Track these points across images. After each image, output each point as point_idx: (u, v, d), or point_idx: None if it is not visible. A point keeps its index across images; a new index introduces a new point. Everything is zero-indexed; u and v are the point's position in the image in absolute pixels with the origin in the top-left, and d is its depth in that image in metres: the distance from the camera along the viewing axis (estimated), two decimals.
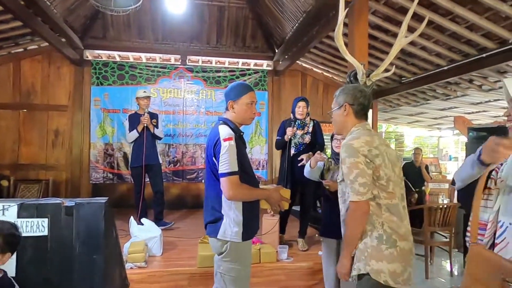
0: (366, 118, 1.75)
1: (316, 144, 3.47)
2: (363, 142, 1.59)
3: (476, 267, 1.27)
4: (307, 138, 3.45)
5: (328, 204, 2.46)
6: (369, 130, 1.71)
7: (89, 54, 5.90)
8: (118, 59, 6.00)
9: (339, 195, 1.75)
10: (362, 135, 1.64)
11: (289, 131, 3.39)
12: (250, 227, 1.88)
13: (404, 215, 1.62)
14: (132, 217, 3.44)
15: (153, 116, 4.34)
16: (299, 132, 3.45)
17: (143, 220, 3.51)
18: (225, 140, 1.77)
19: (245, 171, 1.85)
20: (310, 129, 3.49)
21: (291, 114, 3.55)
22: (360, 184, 1.53)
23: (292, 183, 3.37)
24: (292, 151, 3.44)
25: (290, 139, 3.43)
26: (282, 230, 3.58)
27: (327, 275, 2.46)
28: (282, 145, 3.51)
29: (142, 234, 3.21)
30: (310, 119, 3.57)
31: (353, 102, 1.71)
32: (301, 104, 3.48)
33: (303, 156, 2.61)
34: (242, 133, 1.96)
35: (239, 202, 1.82)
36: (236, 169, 1.76)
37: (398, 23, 4.13)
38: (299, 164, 2.71)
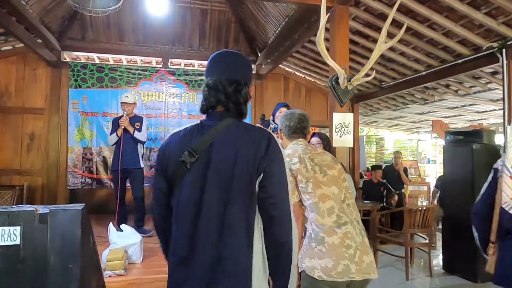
0: (299, 135, 1.95)
1: None
2: (287, 154, 1.82)
3: None
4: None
5: None
6: (295, 145, 1.91)
7: (66, 56, 5.74)
8: (97, 61, 5.86)
9: None
10: (286, 151, 1.86)
11: None
12: None
13: (331, 211, 1.72)
14: (111, 223, 3.34)
15: (137, 119, 4.27)
16: (275, 135, 3.50)
17: (123, 226, 3.41)
18: None
19: None
20: None
21: (271, 117, 3.60)
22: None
23: None
24: None
25: None
26: None
27: None
28: None
29: (121, 241, 3.12)
30: None
31: (281, 127, 2.00)
32: (283, 109, 3.51)
33: None
34: None
35: None
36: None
37: (378, 29, 4.22)
38: None
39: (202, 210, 1.14)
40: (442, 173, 5.21)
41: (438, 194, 5.73)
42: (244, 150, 1.15)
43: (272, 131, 3.49)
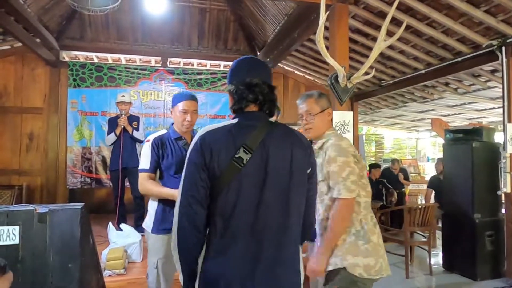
0: None
1: None
2: (348, 144, 1.72)
3: None
4: None
5: None
6: (341, 135, 1.82)
7: (65, 55, 5.72)
8: (96, 60, 5.85)
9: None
10: (344, 138, 1.75)
11: None
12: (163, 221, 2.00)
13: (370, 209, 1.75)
14: (110, 223, 3.34)
15: (134, 118, 4.27)
16: None
17: (122, 225, 3.41)
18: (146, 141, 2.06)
19: (163, 171, 2.03)
20: None
21: None
22: (352, 181, 1.62)
23: None
24: None
25: None
26: None
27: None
28: None
29: (121, 240, 3.12)
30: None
31: (331, 106, 1.84)
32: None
33: None
34: (180, 138, 2.08)
35: (154, 198, 2.05)
36: (145, 167, 1.98)
37: (378, 27, 4.21)
38: None
39: (264, 205, 1.18)
40: (443, 172, 5.20)
41: (433, 194, 5.73)
42: (297, 150, 1.25)
43: None
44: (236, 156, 1.15)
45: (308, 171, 1.29)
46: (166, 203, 1.99)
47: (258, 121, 1.24)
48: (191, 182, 1.17)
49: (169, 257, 1.94)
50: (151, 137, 2.05)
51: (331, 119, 1.83)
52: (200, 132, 1.23)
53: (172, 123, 2.13)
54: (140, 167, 2.02)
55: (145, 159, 2.00)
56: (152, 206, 2.06)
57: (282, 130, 1.28)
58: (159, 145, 2.02)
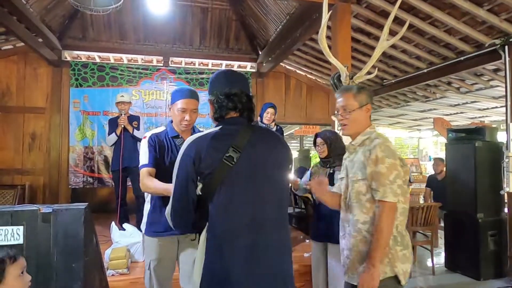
0: None
1: None
2: (395, 146, 1.65)
3: None
4: None
5: (318, 207, 2.46)
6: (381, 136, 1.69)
7: (67, 55, 5.73)
8: (98, 60, 5.85)
9: (352, 195, 1.64)
10: (389, 139, 1.66)
11: None
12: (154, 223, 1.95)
13: None
14: (113, 223, 3.35)
15: (134, 118, 4.28)
16: None
17: (125, 225, 3.42)
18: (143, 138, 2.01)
19: (161, 168, 1.94)
20: None
21: (258, 118, 3.66)
22: (398, 185, 1.54)
23: None
24: None
25: None
26: None
27: (316, 278, 2.46)
28: None
29: (124, 240, 3.12)
30: (275, 124, 3.73)
31: (371, 102, 1.75)
32: (270, 110, 3.61)
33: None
34: (177, 136, 2.00)
35: (148, 199, 2.01)
36: (145, 162, 1.93)
37: (380, 27, 4.20)
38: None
39: (260, 199, 1.27)
40: (444, 172, 5.19)
41: (432, 194, 5.71)
42: (280, 147, 1.38)
43: None
44: (227, 155, 1.23)
45: (290, 166, 1.43)
46: (156, 204, 1.96)
47: (241, 125, 1.33)
48: (182, 188, 1.27)
49: (161, 260, 1.96)
50: (147, 134, 1.99)
51: (370, 116, 1.74)
52: (187, 141, 1.30)
53: (171, 121, 2.03)
54: (140, 164, 1.95)
55: (143, 155, 1.95)
56: (146, 208, 2.05)
57: (264, 131, 1.47)
58: (155, 142, 1.94)
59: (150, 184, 1.88)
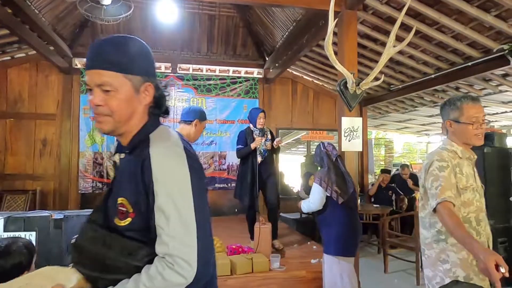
0: None
1: (274, 148, 3.78)
2: None
3: None
4: (269, 145, 3.75)
5: (348, 216, 2.55)
6: None
7: (78, 62, 5.84)
8: None
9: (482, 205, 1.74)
10: None
11: (259, 140, 3.63)
12: None
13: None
14: None
15: None
16: (263, 140, 3.75)
17: None
18: None
19: None
20: (269, 136, 3.81)
21: (250, 124, 3.78)
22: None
23: (258, 188, 3.64)
24: (259, 159, 3.71)
25: (255, 148, 3.67)
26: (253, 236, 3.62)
27: None
28: (247, 154, 3.69)
29: None
30: (266, 127, 3.88)
31: None
32: (262, 115, 3.77)
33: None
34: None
35: None
36: None
37: (387, 33, 4.20)
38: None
39: None
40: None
41: None
42: None
43: (259, 135, 3.70)
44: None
45: None
46: None
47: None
48: (205, 214, 1.03)
49: None
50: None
51: None
52: (183, 160, 1.03)
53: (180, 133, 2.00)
54: None
55: None
56: None
57: None
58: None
59: None
